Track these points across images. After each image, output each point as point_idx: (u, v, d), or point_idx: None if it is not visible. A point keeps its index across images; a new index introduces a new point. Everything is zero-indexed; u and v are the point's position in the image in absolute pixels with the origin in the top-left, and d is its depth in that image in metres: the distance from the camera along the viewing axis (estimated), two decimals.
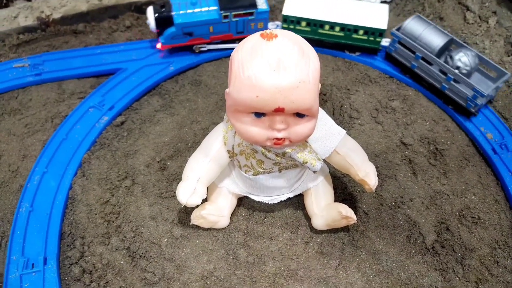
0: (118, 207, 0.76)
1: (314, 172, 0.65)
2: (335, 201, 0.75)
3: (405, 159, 0.85)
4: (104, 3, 1.06)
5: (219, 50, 1.00)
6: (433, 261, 0.72)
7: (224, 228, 0.74)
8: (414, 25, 0.94)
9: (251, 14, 0.95)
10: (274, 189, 0.71)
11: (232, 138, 0.63)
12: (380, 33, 0.96)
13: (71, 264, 0.70)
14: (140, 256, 0.71)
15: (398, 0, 1.17)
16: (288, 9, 0.98)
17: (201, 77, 0.98)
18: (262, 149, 0.61)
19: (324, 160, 0.67)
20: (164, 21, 0.93)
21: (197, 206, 0.68)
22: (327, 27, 0.98)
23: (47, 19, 1.03)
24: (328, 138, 0.64)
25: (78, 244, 0.72)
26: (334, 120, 0.66)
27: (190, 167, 0.66)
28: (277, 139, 0.56)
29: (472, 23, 1.08)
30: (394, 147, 0.86)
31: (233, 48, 0.98)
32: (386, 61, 1.01)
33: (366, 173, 0.65)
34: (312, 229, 0.74)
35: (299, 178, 0.72)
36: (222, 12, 0.94)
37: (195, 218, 0.71)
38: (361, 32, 0.97)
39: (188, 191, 0.64)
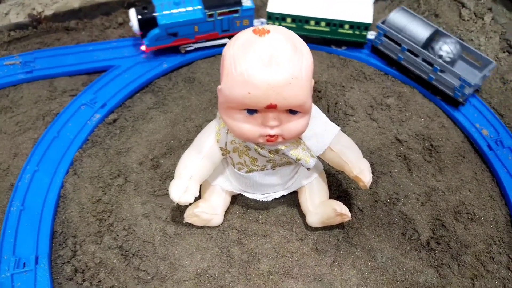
0: (110, 206, 0.75)
1: (308, 169, 0.64)
2: (330, 198, 0.75)
3: (400, 156, 0.84)
4: (97, 0, 1.05)
5: (206, 49, 0.99)
6: (429, 258, 0.71)
7: (218, 226, 0.73)
8: (399, 18, 0.94)
9: (236, 11, 0.94)
10: (268, 187, 0.71)
11: (225, 136, 0.63)
12: (366, 27, 0.96)
13: (63, 263, 0.69)
14: (133, 254, 0.70)
15: None
16: (272, 6, 0.98)
17: (194, 74, 0.97)
18: (255, 146, 0.61)
19: (319, 157, 0.67)
20: (147, 23, 0.91)
21: (191, 204, 0.67)
22: (312, 22, 0.98)
23: (38, 16, 1.01)
24: (322, 135, 0.64)
25: (70, 243, 0.71)
26: (328, 117, 0.66)
27: (183, 164, 0.66)
28: (270, 136, 0.55)
29: (468, 20, 1.08)
30: (389, 143, 0.86)
31: (219, 45, 0.99)
32: (373, 54, 1.01)
33: (361, 170, 0.65)
34: (306, 226, 0.73)
35: (293, 175, 0.71)
36: (207, 11, 0.92)
37: (188, 216, 0.70)
38: (346, 26, 0.97)
39: (180, 189, 0.64)
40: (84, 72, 0.95)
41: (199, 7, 0.92)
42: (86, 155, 0.82)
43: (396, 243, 0.73)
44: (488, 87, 0.96)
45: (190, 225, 0.73)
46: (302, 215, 0.74)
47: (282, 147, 0.61)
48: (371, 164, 0.68)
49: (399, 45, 0.94)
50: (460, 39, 1.01)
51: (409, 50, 0.93)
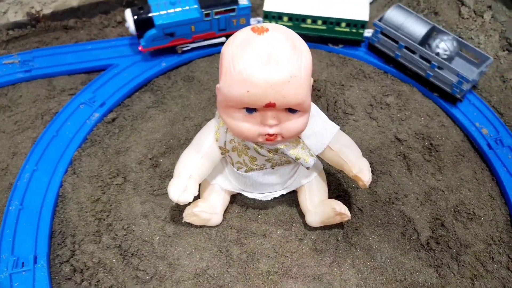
0: (109, 205, 0.75)
1: (307, 168, 0.64)
2: (329, 197, 0.74)
3: (399, 155, 0.84)
4: None
5: (203, 48, 0.99)
6: (428, 258, 0.71)
7: (217, 226, 0.73)
8: (395, 15, 0.94)
9: (233, 10, 0.94)
10: (267, 186, 0.71)
11: (224, 135, 0.62)
12: (362, 24, 0.96)
13: (62, 263, 0.69)
14: (132, 254, 0.70)
15: None
16: (269, 5, 0.97)
17: (193, 73, 0.96)
18: (254, 145, 0.60)
19: (318, 156, 0.66)
20: (143, 23, 0.91)
21: (190, 203, 0.67)
22: (309, 21, 0.98)
23: (37, 15, 1.01)
24: (321, 134, 0.63)
25: (69, 243, 0.71)
26: (328, 116, 0.65)
27: (182, 164, 0.65)
28: (269, 135, 0.55)
29: (467, 18, 1.07)
30: (388, 143, 0.86)
31: (216, 44, 0.98)
32: (370, 51, 1.01)
33: (360, 169, 0.65)
34: (306, 226, 0.73)
35: (293, 174, 0.71)
36: (203, 10, 0.92)
37: (187, 216, 0.70)
38: (343, 24, 0.97)
39: (179, 188, 0.63)
40: (83, 71, 0.95)
41: (196, 6, 0.92)
42: (85, 154, 0.81)
43: (395, 243, 0.73)
44: (487, 86, 0.96)
45: (189, 225, 0.73)
46: (302, 215, 0.74)
47: (281, 146, 0.60)
48: (371, 163, 0.68)
49: (396, 42, 0.94)
50: (459, 37, 1.01)
51: (406, 47, 0.93)
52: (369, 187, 0.78)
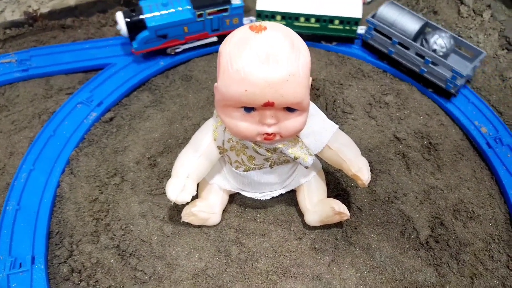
0: (107, 205, 0.75)
1: (306, 167, 0.63)
2: (328, 196, 0.74)
3: (398, 154, 0.84)
4: None
5: (196, 49, 0.98)
6: (428, 256, 0.71)
7: (215, 225, 0.73)
8: (388, 11, 0.94)
9: (226, 10, 0.94)
10: (266, 185, 0.70)
11: (222, 134, 0.62)
12: (356, 22, 0.96)
13: (60, 263, 0.68)
14: (130, 254, 0.70)
15: None
16: (262, 4, 0.97)
17: (192, 72, 0.96)
18: (253, 145, 0.60)
19: (317, 156, 0.66)
20: (135, 25, 0.90)
21: (188, 203, 0.66)
22: (302, 19, 0.98)
23: (34, 14, 1.01)
24: (320, 133, 0.63)
25: (67, 243, 0.70)
26: (327, 115, 0.65)
27: (180, 163, 0.65)
28: (267, 134, 0.55)
29: (466, 17, 1.07)
30: (387, 141, 0.85)
31: (208, 44, 0.98)
32: (363, 48, 1.01)
33: (359, 168, 0.64)
34: (305, 225, 0.73)
35: (291, 173, 0.71)
36: (196, 10, 0.91)
37: (185, 215, 0.69)
38: (336, 22, 0.97)
39: (177, 188, 0.63)
40: (81, 70, 0.95)
41: (188, 7, 0.91)
42: (83, 154, 0.81)
43: (395, 242, 0.72)
44: (487, 84, 0.96)
45: (188, 225, 0.72)
46: (301, 214, 0.74)
47: (280, 145, 0.60)
48: (370, 162, 0.68)
49: (390, 38, 0.94)
50: (459, 36, 1.01)
51: (400, 43, 0.93)
52: (368, 186, 0.78)
